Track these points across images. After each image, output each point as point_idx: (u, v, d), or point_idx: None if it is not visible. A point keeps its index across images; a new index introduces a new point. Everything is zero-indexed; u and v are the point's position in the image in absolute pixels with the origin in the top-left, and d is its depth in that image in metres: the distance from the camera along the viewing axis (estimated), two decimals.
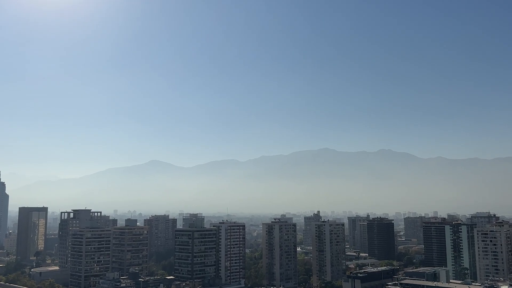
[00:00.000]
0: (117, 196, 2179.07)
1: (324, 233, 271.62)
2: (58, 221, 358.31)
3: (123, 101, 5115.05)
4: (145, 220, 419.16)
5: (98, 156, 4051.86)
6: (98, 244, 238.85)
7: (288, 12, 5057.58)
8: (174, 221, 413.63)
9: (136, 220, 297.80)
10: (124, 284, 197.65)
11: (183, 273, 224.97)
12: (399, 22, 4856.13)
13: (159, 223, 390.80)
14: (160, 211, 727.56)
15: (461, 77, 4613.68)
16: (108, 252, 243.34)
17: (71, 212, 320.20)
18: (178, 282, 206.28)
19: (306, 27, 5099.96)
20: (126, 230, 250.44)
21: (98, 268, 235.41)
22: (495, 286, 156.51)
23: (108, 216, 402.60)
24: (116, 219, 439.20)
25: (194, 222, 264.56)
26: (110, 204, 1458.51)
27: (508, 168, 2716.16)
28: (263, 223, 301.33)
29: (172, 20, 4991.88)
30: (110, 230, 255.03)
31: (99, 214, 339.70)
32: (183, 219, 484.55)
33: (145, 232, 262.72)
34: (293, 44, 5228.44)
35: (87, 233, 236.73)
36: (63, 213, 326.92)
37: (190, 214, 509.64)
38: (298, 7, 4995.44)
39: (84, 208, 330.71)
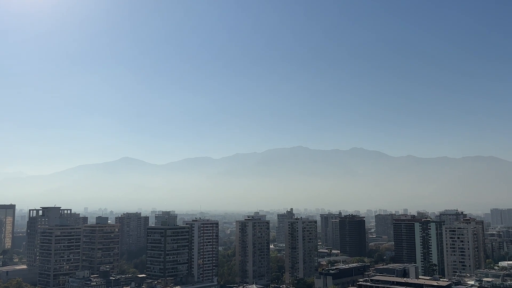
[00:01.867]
0: (87, 194, 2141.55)
1: (297, 231, 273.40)
2: (26, 219, 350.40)
3: (95, 97, 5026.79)
4: (116, 218, 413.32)
5: (69, 153, 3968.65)
6: (68, 242, 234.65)
7: (265, 11, 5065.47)
8: (146, 219, 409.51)
9: (107, 218, 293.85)
10: (95, 283, 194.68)
11: (155, 271, 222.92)
12: (377, 22, 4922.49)
13: (130, 221, 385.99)
14: (132, 208, 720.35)
15: (431, 78, 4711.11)
16: (78, 250, 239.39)
17: (40, 209, 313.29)
18: (150, 280, 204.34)
19: (285, 26, 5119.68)
20: (97, 228, 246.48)
21: (67, 267, 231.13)
22: (462, 282, 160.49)
23: (78, 214, 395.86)
24: (87, 217, 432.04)
25: (167, 220, 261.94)
26: (80, 202, 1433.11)
27: (476, 166, 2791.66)
28: (236, 221, 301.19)
29: (146, 16, 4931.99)
30: (80, 228, 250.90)
31: (69, 211, 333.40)
32: (156, 217, 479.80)
33: (117, 230, 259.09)
34: (269, 44, 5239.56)
35: (56, 231, 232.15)
36: (31, 211, 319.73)
37: (162, 211, 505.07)
38: (281, 7, 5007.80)
39: (53, 206, 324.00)
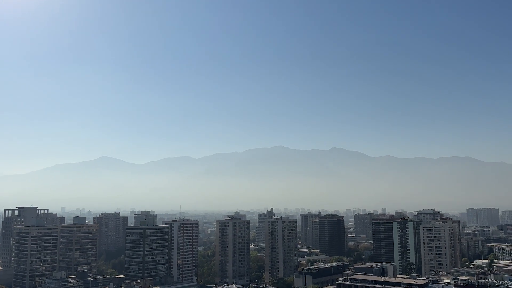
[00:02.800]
0: (65, 193, 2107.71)
1: (277, 230, 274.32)
2: (2, 219, 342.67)
3: (73, 95, 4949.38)
4: (94, 218, 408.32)
5: (46, 152, 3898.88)
6: (45, 243, 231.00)
7: (256, 9, 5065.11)
8: (125, 219, 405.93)
9: (85, 218, 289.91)
10: (72, 284, 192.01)
11: (134, 272, 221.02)
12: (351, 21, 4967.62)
13: (109, 221, 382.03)
14: (110, 208, 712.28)
15: (410, 81, 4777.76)
16: (55, 251, 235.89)
17: (16, 209, 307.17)
18: (129, 281, 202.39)
19: (274, 27, 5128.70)
20: (74, 228, 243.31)
21: (44, 268, 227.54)
22: (438, 280, 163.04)
23: (56, 214, 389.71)
24: (64, 217, 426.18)
25: (146, 220, 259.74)
26: (57, 202, 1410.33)
27: (453, 167, 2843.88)
28: (216, 221, 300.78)
29: (130, 14, 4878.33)
30: (57, 228, 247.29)
31: (45, 211, 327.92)
32: (135, 217, 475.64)
33: (95, 230, 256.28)
34: (249, 44, 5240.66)
35: (32, 231, 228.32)
36: (6, 211, 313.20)
37: (141, 211, 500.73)
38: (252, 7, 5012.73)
39: (29, 206, 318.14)
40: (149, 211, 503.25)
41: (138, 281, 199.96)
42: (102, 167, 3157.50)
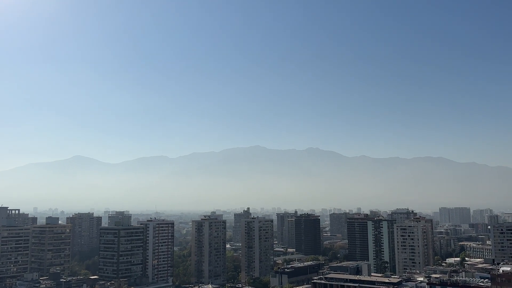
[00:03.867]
0: (37, 193, 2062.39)
1: (253, 230, 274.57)
2: None
3: (45, 93, 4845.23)
4: (67, 218, 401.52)
5: (17, 151, 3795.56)
6: (16, 244, 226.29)
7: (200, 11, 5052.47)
8: (99, 219, 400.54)
9: (57, 218, 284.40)
10: (44, 285, 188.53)
11: (108, 273, 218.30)
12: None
13: (82, 221, 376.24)
14: (84, 209, 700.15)
15: (383, 81, 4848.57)
16: (27, 252, 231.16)
17: None
18: (103, 282, 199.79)
19: (233, 23, 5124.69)
20: (47, 229, 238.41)
21: (15, 269, 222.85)
22: (412, 279, 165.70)
23: (27, 214, 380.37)
24: (36, 217, 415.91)
25: (121, 220, 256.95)
26: (29, 202, 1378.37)
27: (426, 167, 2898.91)
28: (192, 221, 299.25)
29: (103, 12, 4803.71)
30: (29, 229, 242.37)
31: (17, 211, 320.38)
32: (109, 217, 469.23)
33: (68, 230, 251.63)
34: (224, 44, 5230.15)
35: (3, 232, 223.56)
36: None
37: (116, 212, 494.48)
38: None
39: (0, 206, 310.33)
40: (123, 211, 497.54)
41: (112, 282, 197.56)
42: (75, 166, 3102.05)
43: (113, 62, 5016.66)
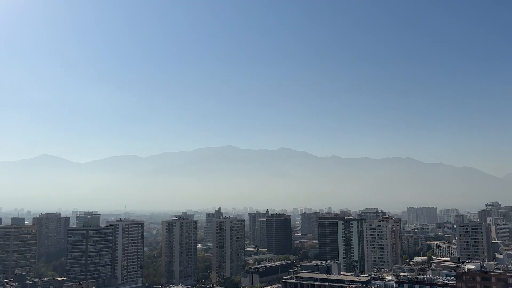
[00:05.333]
0: (2, 193, 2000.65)
1: (225, 230, 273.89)
2: None
3: (11, 91, 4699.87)
4: (34, 218, 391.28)
5: None
6: None
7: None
8: (67, 219, 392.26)
9: (23, 219, 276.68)
10: (9, 287, 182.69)
11: (76, 274, 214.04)
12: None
13: (50, 222, 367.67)
14: (51, 209, 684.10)
15: (353, 82, 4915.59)
16: None
17: None
18: (70, 283, 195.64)
19: (213, 21, 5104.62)
20: (12, 229, 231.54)
21: None
22: (380, 277, 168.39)
23: None
24: (1, 218, 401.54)
25: (89, 220, 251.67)
26: None
27: (394, 167, 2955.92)
28: (163, 221, 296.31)
29: (73, 7, 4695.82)
30: None
31: None
32: (77, 217, 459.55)
33: (34, 231, 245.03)
34: (195, 40, 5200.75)
35: None
36: None
37: (84, 212, 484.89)
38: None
39: None
40: (92, 212, 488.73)
41: (80, 283, 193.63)
42: (42, 165, 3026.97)
43: (82, 60, 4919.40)
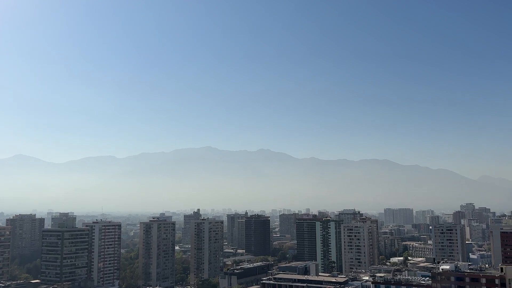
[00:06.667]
0: None
1: (203, 231, 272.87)
2: None
3: None
4: (7, 219, 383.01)
5: None
6: None
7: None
8: (42, 220, 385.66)
9: None
10: None
11: (50, 276, 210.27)
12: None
13: (24, 223, 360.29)
14: (26, 210, 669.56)
15: (333, 83, 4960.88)
16: None
17: None
18: (45, 286, 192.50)
19: (188, 26, 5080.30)
20: None
21: None
22: (357, 278, 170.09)
23: None
24: None
25: (65, 221, 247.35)
26: None
27: (372, 169, 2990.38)
28: (140, 222, 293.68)
29: (47, 3, 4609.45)
30: None
31: None
32: (52, 218, 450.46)
33: (7, 232, 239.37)
34: (172, 41, 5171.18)
35: None
36: None
37: (60, 213, 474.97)
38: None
39: None
40: (68, 213, 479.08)
41: (55, 286, 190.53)
42: (17, 166, 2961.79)
43: (58, 59, 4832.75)
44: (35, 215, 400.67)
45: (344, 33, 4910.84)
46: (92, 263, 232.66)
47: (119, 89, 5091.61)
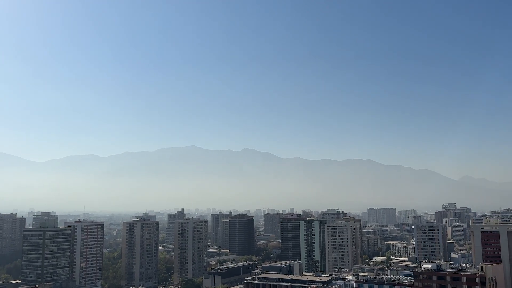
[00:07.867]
0: None
1: (187, 231, 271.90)
2: None
3: None
4: None
5: None
6: None
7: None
8: (23, 220, 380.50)
9: None
10: None
11: (31, 276, 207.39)
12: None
13: (4, 223, 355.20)
14: (6, 209, 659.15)
15: (317, 84, 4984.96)
16: None
17: None
18: (26, 286, 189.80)
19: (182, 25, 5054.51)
20: None
21: None
22: (341, 277, 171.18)
23: None
24: None
25: (46, 221, 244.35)
26: None
27: (356, 169, 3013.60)
28: (123, 222, 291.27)
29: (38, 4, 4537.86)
30: None
31: None
32: (33, 218, 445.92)
33: None
34: (159, 40, 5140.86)
35: None
36: None
37: (41, 212, 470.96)
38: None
39: None
40: (49, 212, 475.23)
41: (36, 286, 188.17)
42: None
43: (40, 56, 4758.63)
44: (15, 214, 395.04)
45: (343, 33, 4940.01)
46: (74, 263, 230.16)
47: (102, 88, 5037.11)
